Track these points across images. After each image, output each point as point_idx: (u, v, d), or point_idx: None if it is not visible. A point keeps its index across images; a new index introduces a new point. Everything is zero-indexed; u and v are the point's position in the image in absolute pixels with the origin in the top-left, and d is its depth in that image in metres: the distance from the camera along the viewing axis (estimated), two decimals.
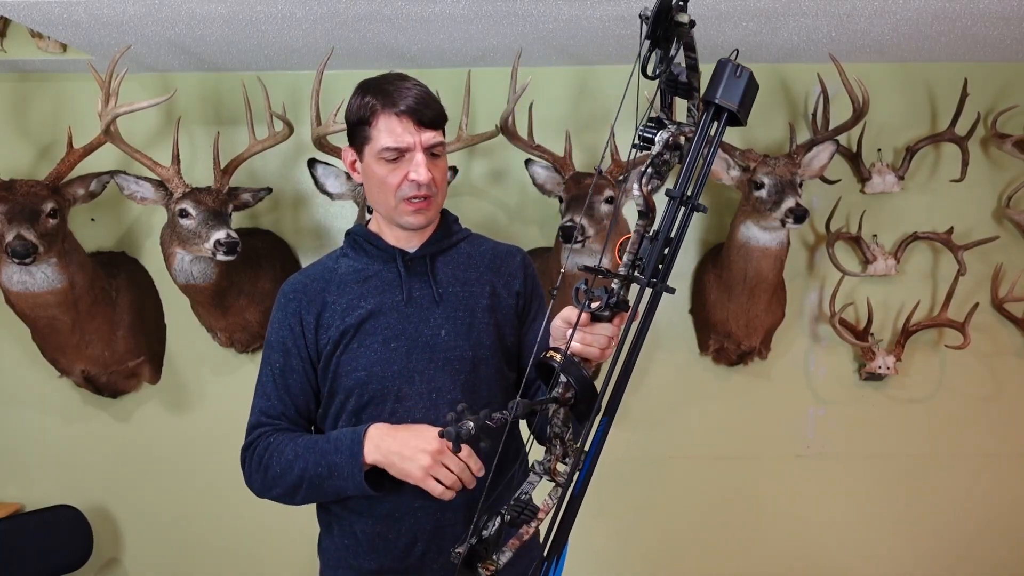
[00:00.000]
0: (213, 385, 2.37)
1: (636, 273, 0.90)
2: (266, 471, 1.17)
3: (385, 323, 1.20)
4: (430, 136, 1.16)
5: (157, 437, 2.37)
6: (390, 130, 1.14)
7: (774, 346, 2.35)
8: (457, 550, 0.93)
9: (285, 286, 1.26)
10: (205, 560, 2.42)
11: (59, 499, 2.30)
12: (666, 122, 0.89)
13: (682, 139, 0.88)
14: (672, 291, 0.88)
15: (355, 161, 1.23)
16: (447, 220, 1.30)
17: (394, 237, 1.25)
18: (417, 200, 1.17)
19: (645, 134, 0.89)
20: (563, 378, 0.92)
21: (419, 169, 1.14)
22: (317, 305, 1.21)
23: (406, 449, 1.10)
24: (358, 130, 1.18)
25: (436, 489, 1.09)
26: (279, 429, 1.21)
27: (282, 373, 1.22)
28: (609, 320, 0.96)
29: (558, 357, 0.92)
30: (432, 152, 1.17)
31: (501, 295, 1.28)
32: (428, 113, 1.15)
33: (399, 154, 1.15)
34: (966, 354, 2.35)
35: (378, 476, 1.14)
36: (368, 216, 1.96)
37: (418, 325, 1.20)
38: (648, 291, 0.89)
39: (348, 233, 1.29)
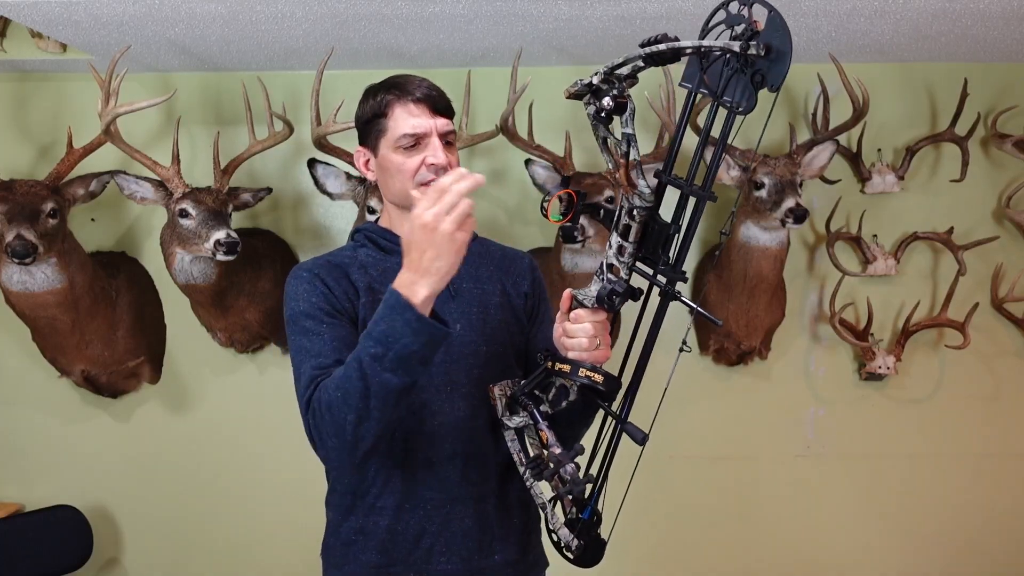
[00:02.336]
0: (213, 385, 2.37)
1: (645, 265, 0.94)
2: (330, 410, 1.02)
3: None
4: (444, 122, 1.20)
5: (157, 437, 2.37)
6: (407, 117, 1.18)
7: (774, 346, 2.35)
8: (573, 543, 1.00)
9: (303, 264, 1.23)
10: (205, 560, 2.42)
11: (59, 499, 2.30)
12: (614, 91, 0.89)
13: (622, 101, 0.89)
14: (685, 279, 0.91)
15: (368, 160, 1.24)
16: None
17: (406, 232, 1.24)
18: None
19: (604, 102, 0.90)
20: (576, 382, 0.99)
21: (437, 152, 1.17)
22: (344, 280, 1.19)
23: (430, 247, 0.97)
24: (372, 125, 1.20)
25: (466, 208, 0.98)
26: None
27: (330, 329, 1.13)
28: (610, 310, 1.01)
29: (596, 378, 0.98)
30: (446, 140, 1.20)
31: (511, 295, 1.29)
32: (441, 101, 1.20)
33: (416, 140, 1.17)
34: (966, 354, 2.35)
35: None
36: (368, 217, 1.97)
37: None
38: (650, 284, 0.94)
39: (359, 230, 1.29)
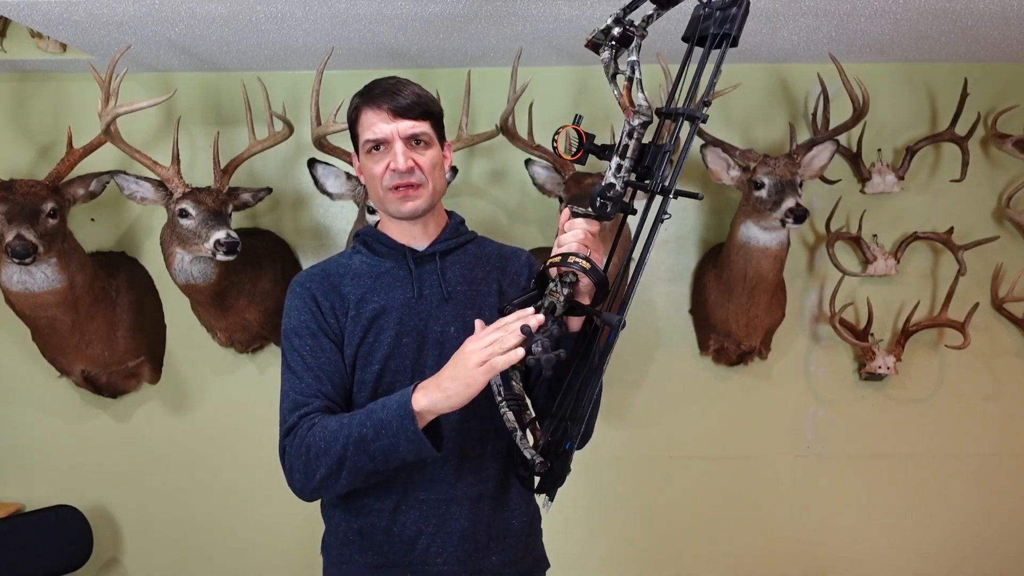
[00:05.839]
0: (213, 385, 2.37)
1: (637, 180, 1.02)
2: (308, 452, 1.11)
3: (397, 319, 1.21)
4: (408, 125, 1.18)
5: (157, 437, 2.37)
6: (368, 123, 1.19)
7: (774, 346, 2.35)
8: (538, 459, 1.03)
9: (299, 276, 1.26)
10: (205, 560, 2.42)
11: (59, 499, 2.30)
12: (630, 31, 1.02)
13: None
14: (675, 195, 0.97)
15: (359, 164, 1.26)
16: (454, 221, 1.32)
17: (402, 235, 1.26)
18: (402, 188, 1.19)
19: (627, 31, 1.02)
20: (566, 278, 1.06)
21: (397, 158, 1.17)
22: (333, 293, 1.22)
23: (451, 367, 1.04)
24: (352, 131, 1.24)
25: (512, 357, 1.00)
26: (321, 409, 1.15)
27: (312, 353, 1.19)
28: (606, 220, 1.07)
29: (584, 263, 1.02)
30: (416, 140, 1.20)
31: (508, 293, 1.29)
32: (404, 102, 1.18)
33: (379, 145, 1.19)
34: (966, 354, 2.35)
35: (435, 436, 1.09)
36: (369, 217, 1.97)
37: (428, 322, 1.22)
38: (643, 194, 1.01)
39: (358, 234, 1.31)
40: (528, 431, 1.05)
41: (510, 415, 1.04)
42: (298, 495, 1.18)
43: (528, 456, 1.03)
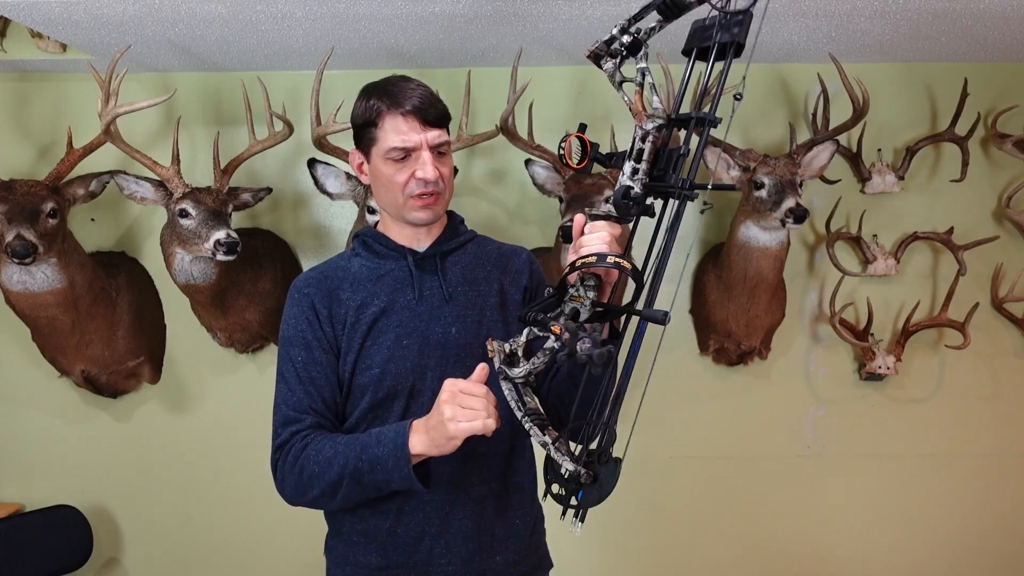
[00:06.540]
0: (213, 385, 2.37)
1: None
2: (301, 472, 1.14)
3: (397, 320, 1.21)
4: (435, 135, 1.18)
5: (157, 437, 2.37)
6: (396, 130, 1.16)
7: (774, 346, 2.35)
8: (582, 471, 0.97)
9: (298, 281, 1.26)
10: (205, 560, 2.42)
11: (59, 499, 2.30)
12: (639, 37, 1.00)
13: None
14: (693, 198, 0.93)
15: (362, 163, 1.24)
16: (454, 221, 1.32)
17: (403, 236, 1.26)
18: (425, 196, 1.18)
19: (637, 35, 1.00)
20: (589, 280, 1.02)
21: (426, 167, 1.16)
22: (331, 300, 1.22)
23: (434, 418, 1.06)
24: (364, 132, 1.20)
25: (474, 424, 1.02)
26: (313, 426, 1.18)
27: (305, 366, 1.20)
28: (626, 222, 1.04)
29: (625, 263, 0.98)
30: (438, 151, 1.19)
31: (509, 292, 1.29)
32: (433, 112, 1.17)
33: (406, 153, 1.17)
34: (966, 354, 2.35)
35: (425, 472, 1.12)
36: (368, 217, 1.97)
37: (429, 323, 1.22)
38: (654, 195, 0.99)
39: (358, 235, 1.30)
40: (556, 444, 1.01)
41: (536, 430, 1.03)
42: (287, 503, 1.20)
43: (570, 468, 0.97)
